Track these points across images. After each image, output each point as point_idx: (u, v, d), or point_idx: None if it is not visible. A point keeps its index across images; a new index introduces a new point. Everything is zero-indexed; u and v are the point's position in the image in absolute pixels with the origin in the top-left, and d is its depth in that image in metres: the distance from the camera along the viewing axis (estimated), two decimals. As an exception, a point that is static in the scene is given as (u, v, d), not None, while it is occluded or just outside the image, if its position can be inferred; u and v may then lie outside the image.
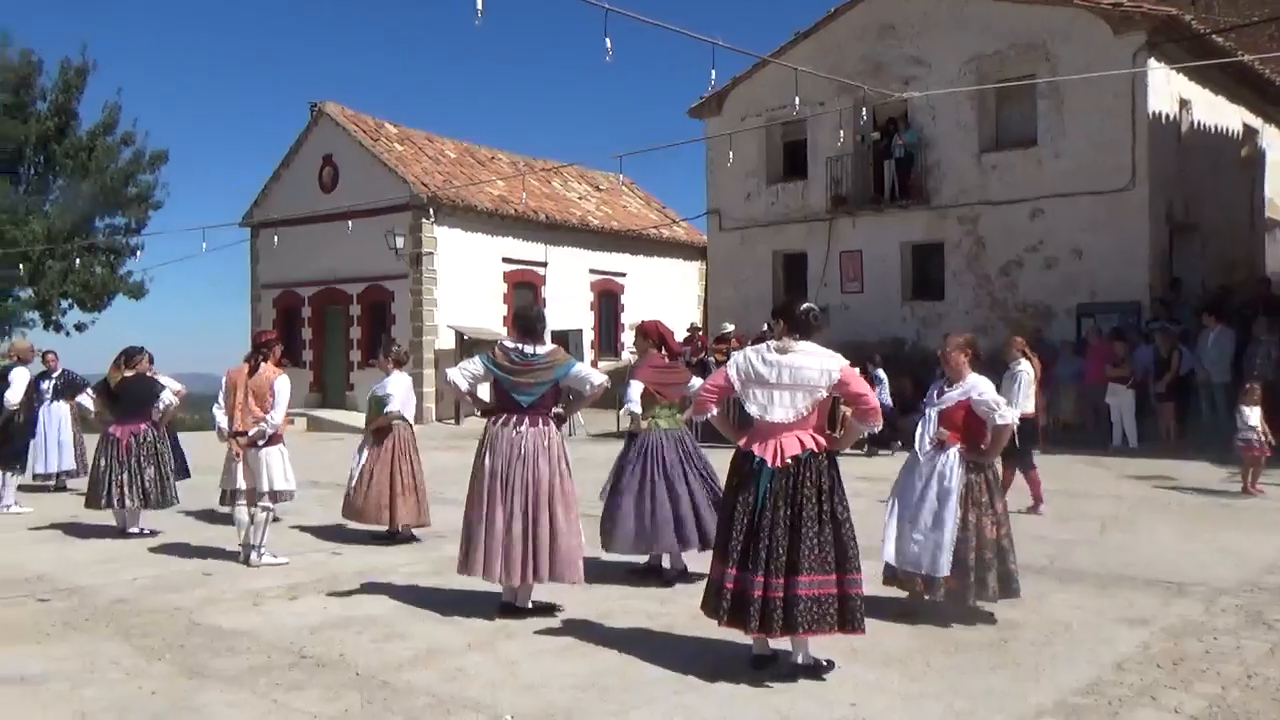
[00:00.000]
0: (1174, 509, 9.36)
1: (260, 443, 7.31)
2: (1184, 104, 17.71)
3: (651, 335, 6.81)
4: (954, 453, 5.49)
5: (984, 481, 5.51)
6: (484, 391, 5.94)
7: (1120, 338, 14.40)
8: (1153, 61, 16.13)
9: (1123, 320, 15.73)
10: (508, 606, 5.71)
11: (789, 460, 4.48)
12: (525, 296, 23.39)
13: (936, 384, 5.79)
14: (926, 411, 5.65)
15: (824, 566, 4.41)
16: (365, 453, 8.32)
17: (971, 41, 17.68)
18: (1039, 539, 7.56)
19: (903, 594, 5.63)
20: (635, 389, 6.49)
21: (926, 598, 5.49)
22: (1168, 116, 16.91)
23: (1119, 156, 16.37)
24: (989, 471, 5.57)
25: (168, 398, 8.90)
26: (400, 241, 21.94)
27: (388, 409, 8.31)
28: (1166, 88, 16.80)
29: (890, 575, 5.64)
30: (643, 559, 6.76)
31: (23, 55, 27.30)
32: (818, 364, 4.53)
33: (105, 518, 8.83)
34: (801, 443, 4.51)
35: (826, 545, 4.44)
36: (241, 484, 7.38)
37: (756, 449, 4.56)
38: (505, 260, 23.95)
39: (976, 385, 5.52)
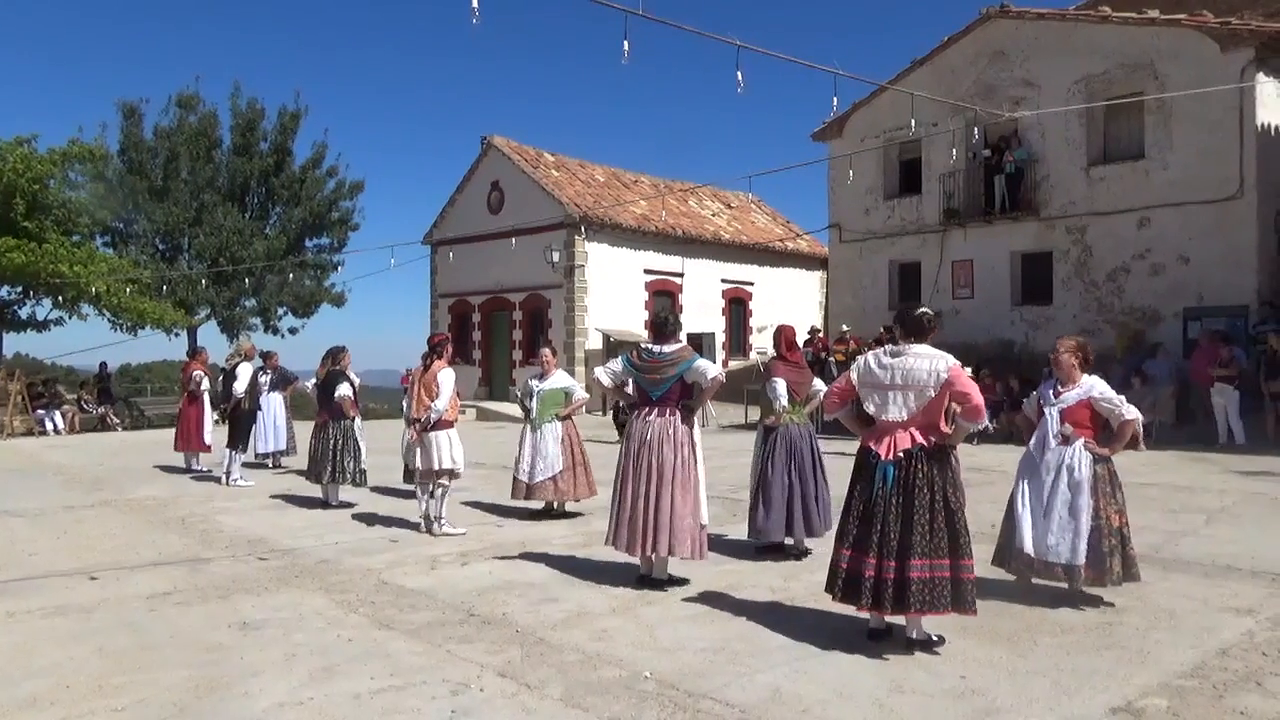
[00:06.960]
0: (1282, 504, 8.65)
1: (429, 427, 7.50)
2: (1293, 114, 16.36)
3: (777, 339, 6.74)
4: (1080, 446, 5.23)
5: (1107, 473, 5.23)
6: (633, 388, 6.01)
7: (1224, 340, 13.48)
8: (1261, 75, 15.04)
9: (1229, 324, 14.71)
10: (644, 578, 5.75)
11: (900, 454, 4.37)
12: (664, 303, 23.47)
13: (1048, 383, 5.51)
14: (1046, 410, 5.37)
15: (937, 551, 4.28)
16: (561, 439, 8.15)
17: (1079, 63, 16.85)
18: (1145, 529, 7.11)
19: (1010, 577, 5.41)
20: (783, 385, 6.42)
21: (1066, 586, 5.23)
22: (1276, 128, 15.66)
23: (1227, 166, 15.30)
24: (1110, 463, 5.29)
25: (342, 390, 8.88)
26: (556, 256, 22.44)
27: (577, 397, 8.38)
28: (1276, 101, 15.57)
29: (1002, 559, 5.42)
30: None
31: (250, 104, 28.77)
32: (928, 365, 4.38)
33: (314, 490, 9.30)
34: (913, 438, 4.39)
35: (939, 532, 4.30)
36: (420, 463, 7.66)
37: (874, 444, 4.47)
38: (647, 271, 24.14)
39: (1095, 386, 5.27)
